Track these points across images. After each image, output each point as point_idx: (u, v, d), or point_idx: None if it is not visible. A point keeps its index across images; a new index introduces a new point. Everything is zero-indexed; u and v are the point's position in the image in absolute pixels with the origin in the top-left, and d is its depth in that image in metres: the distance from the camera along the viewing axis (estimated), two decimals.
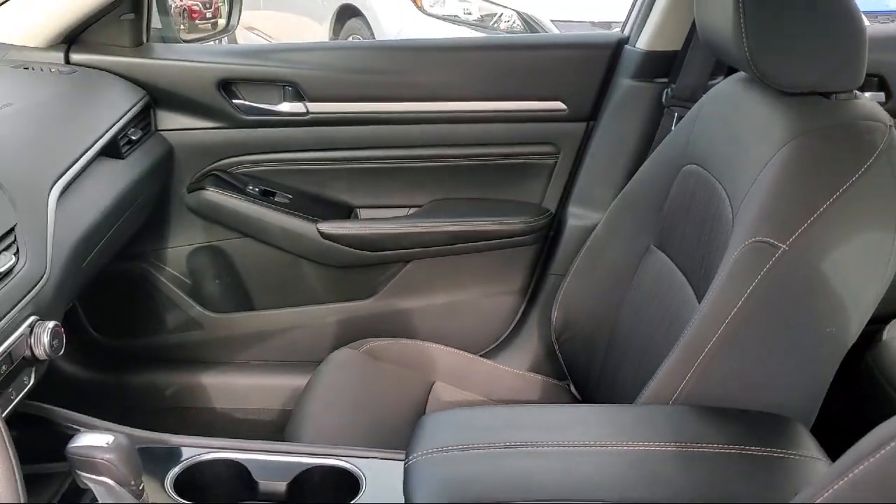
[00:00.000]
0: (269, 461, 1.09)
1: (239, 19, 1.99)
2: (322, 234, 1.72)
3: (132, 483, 0.89)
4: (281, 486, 1.06)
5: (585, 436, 0.98)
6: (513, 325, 1.83)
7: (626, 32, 1.72)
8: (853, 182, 1.01)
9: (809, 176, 1.04)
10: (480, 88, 1.70)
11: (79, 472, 0.88)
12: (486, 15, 4.44)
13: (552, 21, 4.20)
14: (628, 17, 1.74)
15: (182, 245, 1.79)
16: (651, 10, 1.64)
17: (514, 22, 4.36)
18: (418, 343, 1.59)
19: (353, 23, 5.03)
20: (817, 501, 0.57)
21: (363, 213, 1.79)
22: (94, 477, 0.88)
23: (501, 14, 4.40)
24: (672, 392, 1.05)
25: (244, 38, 5.83)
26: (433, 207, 1.78)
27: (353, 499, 1.02)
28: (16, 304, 1.00)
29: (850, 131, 1.06)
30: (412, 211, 1.79)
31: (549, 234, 1.79)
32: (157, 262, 1.78)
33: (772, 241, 1.01)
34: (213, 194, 1.72)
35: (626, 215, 1.45)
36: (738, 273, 1.03)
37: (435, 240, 1.75)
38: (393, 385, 1.46)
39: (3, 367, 0.95)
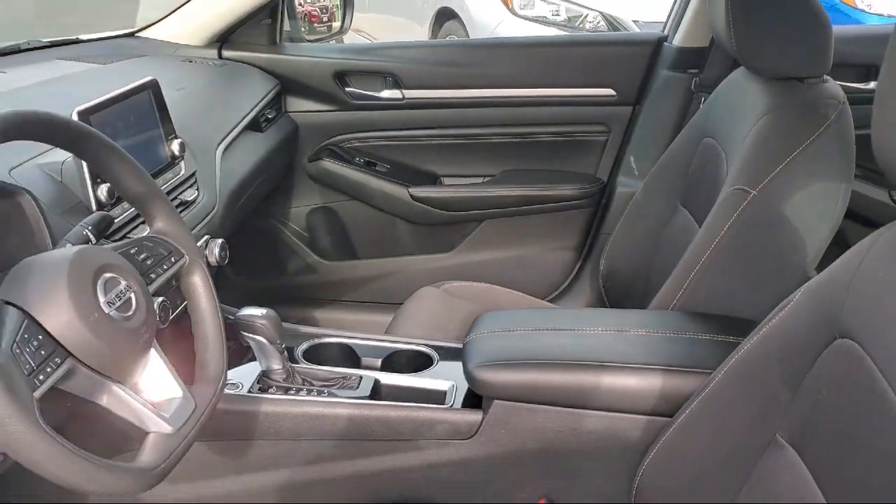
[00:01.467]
0: (369, 345, 1.48)
1: (350, 23, 2.40)
2: (413, 197, 2.11)
3: (278, 342, 1.30)
4: (377, 362, 1.45)
5: (599, 326, 1.33)
6: (570, 277, 2.17)
7: (665, 32, 2.05)
8: (808, 144, 1.32)
9: (777, 140, 1.35)
10: (545, 78, 2.06)
11: (242, 332, 1.30)
12: (573, 16, 4.73)
13: (633, 21, 4.42)
14: (668, 19, 2.06)
15: (302, 205, 2.22)
16: (684, 13, 1.96)
17: (598, 22, 4.61)
18: (487, 285, 1.93)
19: (450, 24, 5.40)
20: None
21: (446, 180, 2.18)
22: (252, 335, 1.29)
23: (587, 15, 4.66)
24: (671, 301, 1.39)
25: (351, 38, 6.27)
26: (504, 176, 2.15)
27: (427, 369, 1.40)
28: (196, 225, 1.42)
29: (811, 106, 1.37)
30: (487, 179, 2.16)
31: (601, 200, 2.12)
32: (284, 219, 2.22)
33: (745, 188, 1.34)
34: (328, 164, 2.14)
35: (659, 181, 1.77)
36: (721, 212, 1.36)
37: (505, 203, 2.11)
38: (462, 314, 1.79)
39: None
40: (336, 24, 2.58)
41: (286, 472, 1.29)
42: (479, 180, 2.16)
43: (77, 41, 1.97)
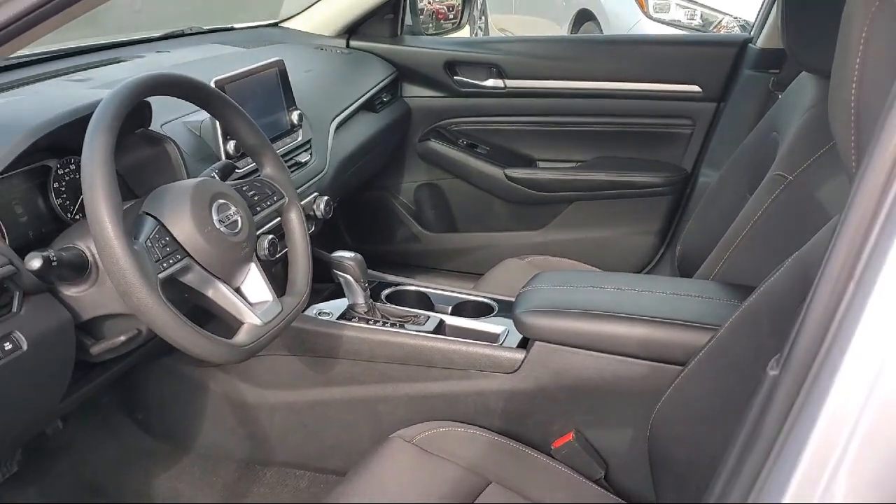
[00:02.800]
0: (442, 295, 1.72)
1: (468, 20, 2.64)
2: (508, 178, 2.33)
3: (362, 280, 1.56)
4: (447, 308, 1.68)
5: (638, 287, 1.50)
6: (653, 261, 2.32)
7: (751, 34, 2.16)
8: None
9: (816, 131, 1.47)
10: (636, 73, 2.22)
11: (334, 270, 1.57)
12: (707, 20, 4.76)
13: None
14: (754, 23, 2.17)
15: (411, 181, 2.48)
16: (767, 17, 2.07)
17: (733, 27, 4.63)
18: (569, 261, 2.11)
19: (587, 26, 5.54)
20: None
21: (540, 164, 2.38)
22: (341, 273, 1.56)
23: (722, 20, 4.69)
24: (711, 272, 1.55)
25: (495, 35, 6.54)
26: (594, 162, 2.33)
27: (486, 316, 1.62)
28: (306, 182, 1.71)
29: None
30: (577, 164, 2.34)
31: (685, 189, 2.26)
32: (394, 192, 2.49)
33: (784, 173, 1.47)
34: (435, 145, 2.40)
35: (731, 172, 1.89)
36: (761, 195, 1.50)
37: (593, 186, 2.29)
38: None
39: None
40: (461, 21, 2.84)
41: (361, 388, 1.55)
42: (570, 165, 2.35)
43: (230, 29, 2.32)
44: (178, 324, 1.03)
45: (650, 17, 4.93)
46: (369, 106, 2.15)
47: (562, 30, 6.02)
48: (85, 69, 1.64)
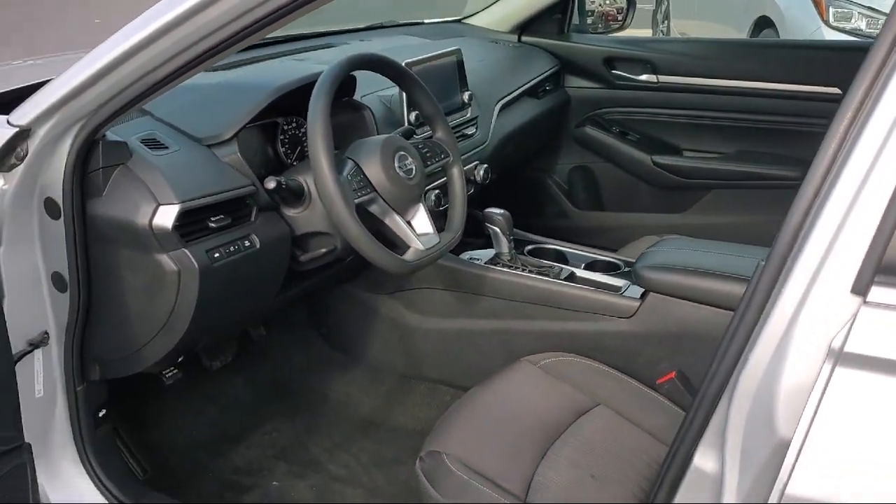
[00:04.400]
0: (577, 254, 2.02)
1: (631, 21, 2.88)
2: (654, 163, 2.57)
3: (508, 233, 1.89)
4: (581, 263, 1.98)
5: (746, 254, 1.71)
6: None
7: None
8: None
9: None
10: (779, 74, 2.39)
11: (485, 223, 1.89)
12: None
13: None
14: None
15: (566, 163, 2.78)
16: None
17: None
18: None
19: (767, 32, 5.53)
20: None
21: (685, 153, 2.60)
22: (491, 226, 1.88)
23: None
24: None
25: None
26: (735, 154, 2.52)
27: (613, 272, 1.90)
28: (470, 151, 2.05)
29: None
30: (719, 156, 2.54)
31: None
32: (549, 172, 2.80)
33: None
34: (590, 131, 2.68)
35: None
36: None
37: (733, 176, 2.48)
38: None
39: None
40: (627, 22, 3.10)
41: (499, 322, 1.88)
42: (713, 155, 2.55)
43: (420, 23, 2.72)
44: (365, 236, 1.40)
45: (829, 26, 4.88)
46: (532, 93, 2.47)
47: (741, 36, 6.03)
48: (303, 52, 2.07)
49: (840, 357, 0.75)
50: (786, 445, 0.77)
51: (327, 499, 1.77)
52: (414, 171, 1.54)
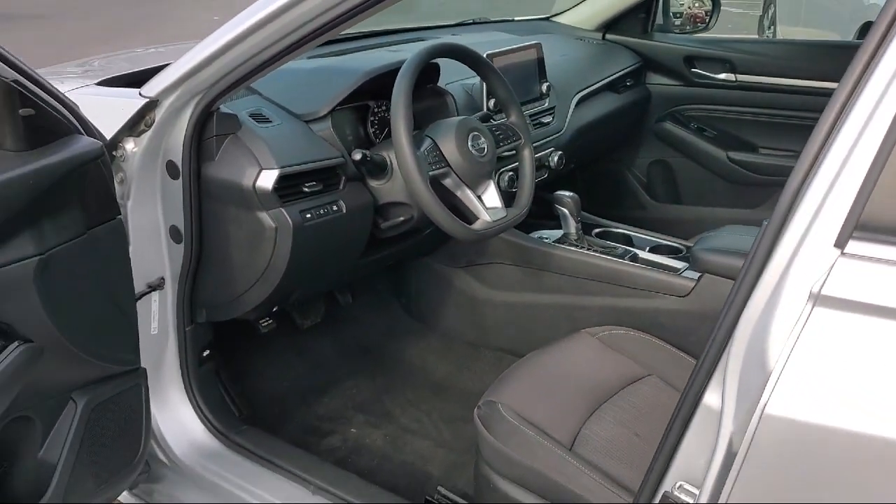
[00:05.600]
0: (643, 238, 2.14)
1: (716, 22, 2.96)
2: (730, 159, 2.65)
3: (576, 215, 2.02)
4: (646, 247, 2.09)
5: None
6: None
7: None
8: None
9: None
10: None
11: (555, 205, 2.04)
12: None
13: None
14: None
15: (645, 157, 2.88)
16: None
17: None
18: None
19: None
20: None
21: (761, 150, 2.66)
22: (560, 207, 2.03)
23: None
24: None
25: None
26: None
27: (674, 254, 2.01)
28: (545, 139, 2.19)
29: None
30: (794, 154, 2.59)
31: None
32: (628, 165, 2.91)
33: None
34: (669, 126, 2.78)
35: None
36: None
37: None
38: None
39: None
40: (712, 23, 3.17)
41: (563, 297, 2.02)
42: (789, 154, 2.61)
43: (510, 21, 2.88)
44: (438, 206, 1.57)
45: None
46: (612, 87, 2.59)
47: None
48: (397, 44, 2.27)
49: (818, 299, 0.87)
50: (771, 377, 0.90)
51: (399, 447, 1.96)
52: (486, 150, 1.71)
